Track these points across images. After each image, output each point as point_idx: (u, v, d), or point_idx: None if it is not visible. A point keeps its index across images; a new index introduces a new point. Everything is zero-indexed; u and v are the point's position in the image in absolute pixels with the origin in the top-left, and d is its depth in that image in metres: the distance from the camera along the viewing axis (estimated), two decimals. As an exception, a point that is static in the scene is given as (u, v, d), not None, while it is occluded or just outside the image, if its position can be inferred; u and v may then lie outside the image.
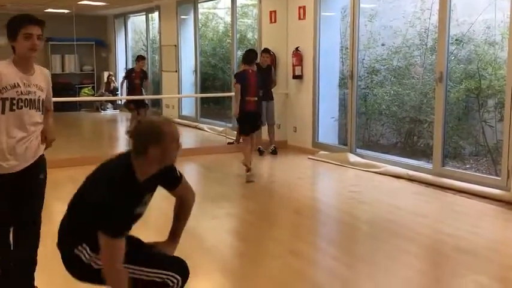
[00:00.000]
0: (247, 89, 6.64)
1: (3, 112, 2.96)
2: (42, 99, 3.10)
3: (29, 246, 3.18)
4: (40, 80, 3.11)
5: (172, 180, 2.68)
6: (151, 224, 4.54)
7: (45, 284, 3.28)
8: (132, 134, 2.43)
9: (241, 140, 7.47)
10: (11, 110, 2.97)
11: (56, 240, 2.54)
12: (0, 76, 2.94)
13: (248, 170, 6.51)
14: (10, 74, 2.97)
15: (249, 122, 6.73)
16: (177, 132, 2.45)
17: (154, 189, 2.57)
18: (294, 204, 5.66)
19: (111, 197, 2.32)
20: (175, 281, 2.48)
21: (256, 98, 6.71)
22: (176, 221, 2.84)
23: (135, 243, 2.59)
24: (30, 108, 3.03)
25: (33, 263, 3.20)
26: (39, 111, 3.10)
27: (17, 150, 3.02)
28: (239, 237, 4.63)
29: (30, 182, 3.13)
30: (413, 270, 3.86)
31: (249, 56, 6.97)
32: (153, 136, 2.36)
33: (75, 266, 2.48)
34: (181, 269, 2.54)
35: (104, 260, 2.36)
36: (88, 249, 2.44)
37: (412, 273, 3.80)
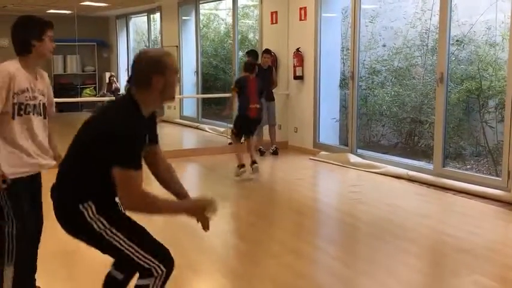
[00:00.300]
0: (249, 97, 6.69)
1: (13, 118, 2.93)
2: (44, 104, 3.10)
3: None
4: (42, 85, 3.10)
5: (155, 135, 2.63)
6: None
7: (46, 285, 3.29)
8: (134, 66, 2.38)
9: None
10: (19, 115, 2.95)
11: (52, 190, 2.46)
12: (14, 80, 2.90)
13: (240, 166, 6.58)
14: (22, 78, 2.94)
15: (247, 126, 6.76)
16: (176, 64, 2.45)
17: (145, 141, 2.47)
18: (294, 205, 5.67)
19: (123, 124, 2.27)
20: (160, 272, 2.40)
21: (258, 106, 6.75)
22: (173, 187, 2.77)
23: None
24: (34, 114, 3.01)
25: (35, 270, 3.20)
26: (43, 116, 3.09)
27: (37, 151, 3.03)
28: (239, 237, 4.64)
29: (39, 187, 3.14)
30: (413, 270, 3.87)
31: (249, 64, 7.06)
32: (157, 66, 2.34)
33: (74, 222, 2.39)
34: (169, 264, 2.46)
35: (127, 197, 2.29)
36: (94, 208, 2.36)
37: (412, 273, 3.81)
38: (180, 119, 12.31)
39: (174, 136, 10.72)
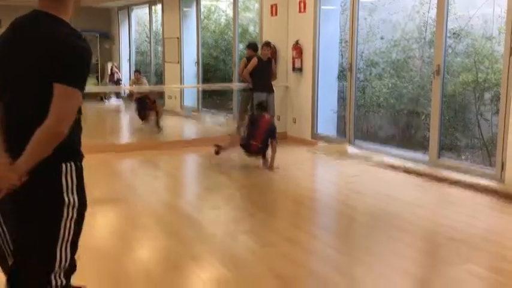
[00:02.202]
0: (254, 133, 6.74)
1: None
2: None
3: None
4: None
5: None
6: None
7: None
8: None
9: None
10: None
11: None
12: None
13: (217, 152, 6.78)
14: None
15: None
16: None
17: None
18: (292, 195, 5.74)
19: (77, 39, 2.11)
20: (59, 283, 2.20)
21: (260, 145, 6.74)
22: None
23: None
24: None
25: None
26: None
27: None
28: (238, 227, 4.68)
29: None
30: (408, 259, 3.92)
31: (262, 105, 7.22)
32: None
33: (41, 190, 2.10)
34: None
35: (57, 115, 2.01)
36: (74, 175, 2.15)
37: (407, 262, 3.86)
38: (181, 108, 12.40)
39: (175, 126, 10.81)
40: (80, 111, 2.21)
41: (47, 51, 2.04)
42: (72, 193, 2.15)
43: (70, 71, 2.04)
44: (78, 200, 2.17)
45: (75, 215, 2.16)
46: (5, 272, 2.34)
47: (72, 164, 2.15)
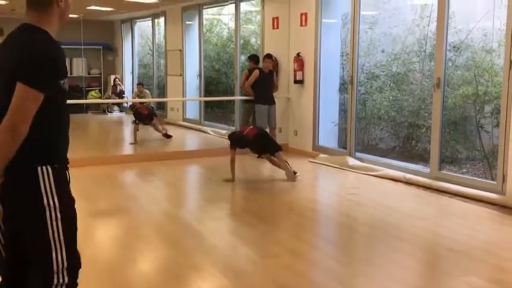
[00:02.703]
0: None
1: None
2: None
3: None
4: None
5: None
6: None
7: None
8: None
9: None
10: None
11: None
12: None
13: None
14: None
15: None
16: None
17: None
18: (294, 206, 5.75)
19: (47, 46, 2.18)
20: (61, 281, 2.26)
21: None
22: None
23: None
24: None
25: None
26: None
27: None
28: (240, 237, 4.70)
29: None
30: (408, 270, 3.93)
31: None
32: None
33: (19, 195, 2.15)
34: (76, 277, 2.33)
35: (13, 112, 2.05)
36: (52, 178, 2.18)
37: (408, 273, 3.87)
38: (183, 121, 12.45)
39: (177, 138, 10.85)
40: (64, 118, 2.27)
41: (17, 55, 2.15)
42: (52, 195, 2.17)
43: (31, 72, 2.10)
44: (59, 201, 2.19)
45: (59, 215, 2.19)
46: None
47: (49, 167, 2.18)
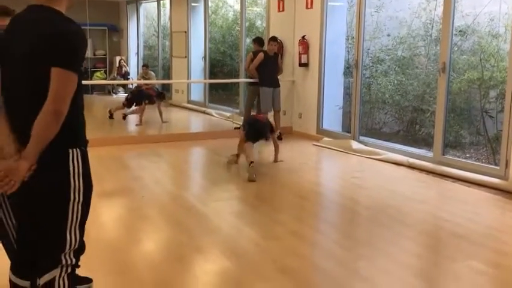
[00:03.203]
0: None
1: None
2: None
3: None
4: None
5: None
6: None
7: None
8: None
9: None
10: None
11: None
12: None
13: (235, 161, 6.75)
14: None
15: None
16: None
17: None
18: (297, 189, 5.78)
19: (75, 28, 2.18)
20: (69, 261, 2.32)
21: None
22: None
23: None
24: None
25: None
26: None
27: None
28: (243, 219, 4.73)
29: None
30: (411, 254, 3.95)
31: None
32: None
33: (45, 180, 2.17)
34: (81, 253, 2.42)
35: (55, 96, 2.07)
36: (80, 160, 2.23)
37: (410, 257, 3.89)
38: (188, 103, 12.47)
39: (182, 120, 10.89)
40: (81, 101, 2.28)
41: (39, 36, 2.12)
42: (79, 177, 2.23)
43: (64, 55, 2.11)
44: (84, 183, 2.25)
45: (81, 199, 2.25)
46: (9, 255, 2.44)
47: (78, 149, 2.23)
